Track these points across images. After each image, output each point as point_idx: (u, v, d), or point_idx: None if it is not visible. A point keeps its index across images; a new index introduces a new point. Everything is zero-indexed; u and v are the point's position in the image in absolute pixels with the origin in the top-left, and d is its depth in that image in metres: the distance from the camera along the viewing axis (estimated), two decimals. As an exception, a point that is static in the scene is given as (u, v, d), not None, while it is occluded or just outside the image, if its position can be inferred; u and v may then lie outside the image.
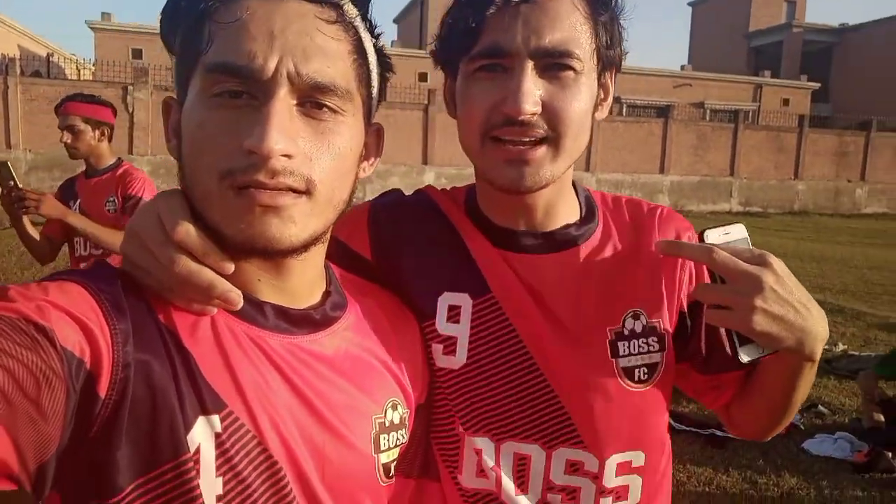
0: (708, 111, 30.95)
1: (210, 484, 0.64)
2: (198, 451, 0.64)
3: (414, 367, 0.89)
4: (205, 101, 0.67)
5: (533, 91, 0.82)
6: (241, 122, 0.65)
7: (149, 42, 26.86)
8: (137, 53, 26.13)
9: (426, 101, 21.08)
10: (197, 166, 0.68)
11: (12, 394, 0.52)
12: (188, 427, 0.64)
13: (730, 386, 0.99)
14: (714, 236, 0.82)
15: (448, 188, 1.06)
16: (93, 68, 23.92)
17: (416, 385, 0.89)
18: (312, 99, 0.68)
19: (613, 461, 0.92)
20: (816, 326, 0.81)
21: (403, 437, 0.84)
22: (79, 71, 26.96)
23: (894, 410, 4.34)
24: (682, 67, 34.28)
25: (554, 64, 0.83)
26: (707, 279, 0.97)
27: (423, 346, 0.92)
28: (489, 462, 0.91)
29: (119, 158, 3.31)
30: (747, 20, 42.04)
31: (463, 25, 0.84)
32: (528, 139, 0.84)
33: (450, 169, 20.17)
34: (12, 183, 2.85)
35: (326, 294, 0.82)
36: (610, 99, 0.95)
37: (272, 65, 0.65)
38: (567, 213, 0.96)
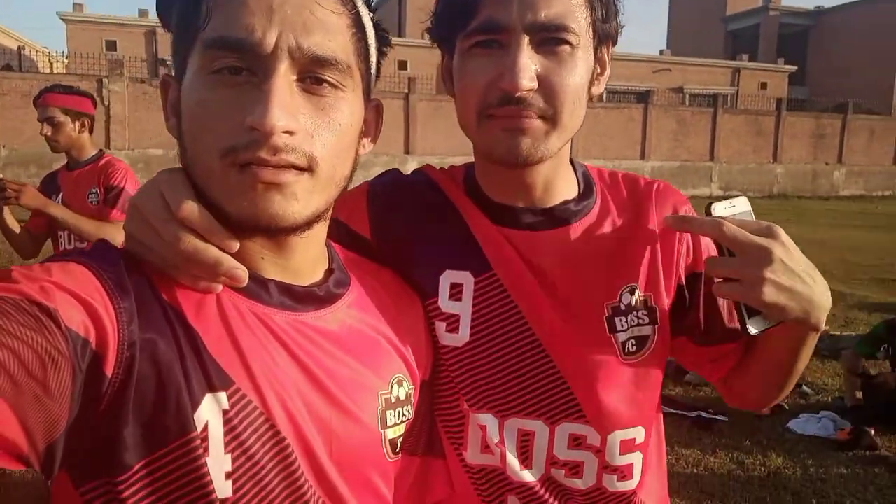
0: (687, 96, 31.15)
1: (219, 461, 0.64)
2: (206, 428, 0.64)
3: (418, 345, 0.89)
4: (204, 78, 0.66)
5: (529, 66, 0.81)
6: (242, 99, 0.64)
7: (123, 33, 26.47)
8: (111, 45, 25.73)
9: (406, 90, 20.99)
10: (198, 144, 0.67)
11: (19, 375, 0.52)
12: (195, 405, 0.63)
13: (729, 358, 1.00)
14: (721, 209, 0.82)
15: (446, 167, 1.06)
16: (66, 61, 23.52)
17: (420, 362, 0.89)
18: (313, 74, 0.67)
19: (617, 438, 0.93)
20: (822, 296, 0.81)
21: (409, 414, 0.84)
22: (51, 64, 26.49)
23: (875, 388, 4.41)
24: (661, 52, 34.46)
25: (550, 38, 0.82)
26: (705, 253, 0.98)
27: (426, 323, 0.92)
28: (494, 438, 0.92)
29: (101, 150, 3.26)
30: (724, 4, 42.26)
31: (458, 2, 0.84)
32: (524, 116, 0.83)
33: (432, 158, 20.09)
34: None
35: (329, 272, 0.81)
36: (607, 73, 0.94)
37: (272, 39, 0.64)
38: (565, 189, 0.97)
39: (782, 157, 25.35)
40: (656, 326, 0.95)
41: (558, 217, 0.95)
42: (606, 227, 0.96)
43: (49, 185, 3.23)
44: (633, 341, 0.93)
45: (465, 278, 0.93)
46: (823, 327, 0.84)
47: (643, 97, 23.43)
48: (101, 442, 0.60)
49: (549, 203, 0.95)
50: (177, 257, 0.66)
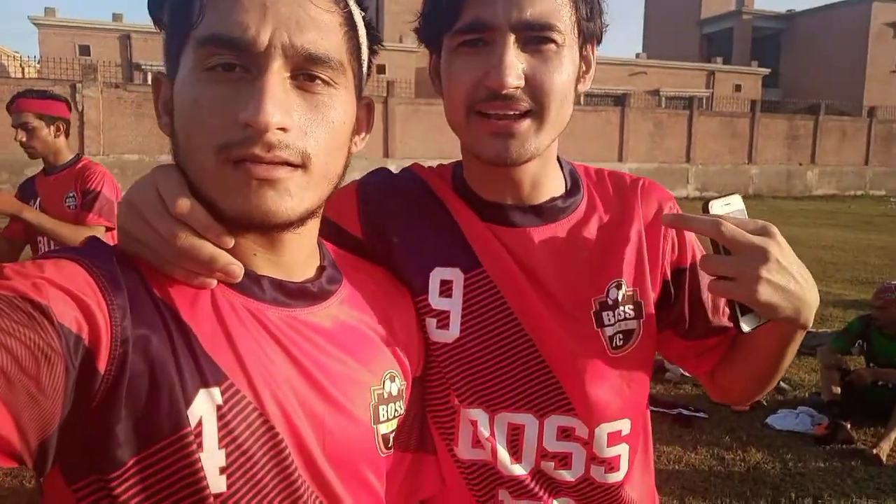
0: (663, 98, 31.48)
1: (212, 456, 0.64)
2: (199, 424, 0.64)
3: (409, 341, 0.90)
4: (198, 75, 0.66)
5: (515, 64, 0.82)
6: (236, 96, 0.65)
7: (96, 38, 26.14)
8: (85, 50, 25.40)
9: (385, 94, 20.96)
10: (192, 142, 0.67)
11: (12, 372, 0.52)
12: (188, 401, 0.63)
13: (714, 352, 1.02)
14: (717, 207, 0.83)
15: (434, 165, 1.07)
16: (38, 66, 23.16)
17: (412, 358, 0.89)
18: (306, 71, 0.68)
19: (604, 430, 0.95)
20: (812, 295, 0.82)
21: (401, 409, 0.85)
22: (23, 69, 26.07)
23: (851, 383, 4.48)
24: (637, 55, 34.79)
25: (535, 37, 0.83)
26: (690, 249, 1.01)
27: (417, 320, 0.93)
28: (484, 433, 0.93)
29: (78, 154, 3.22)
30: (699, 7, 42.81)
31: (445, 1, 0.85)
32: (512, 112, 0.84)
33: (411, 161, 20.00)
34: None
35: (321, 268, 0.82)
36: (592, 71, 0.96)
37: (265, 37, 0.65)
38: (553, 186, 0.98)
39: (757, 158, 25.69)
40: (642, 321, 0.96)
41: (546, 214, 0.96)
42: (593, 224, 0.98)
43: (27, 191, 3.19)
44: (621, 335, 0.95)
45: (455, 275, 0.94)
46: (810, 325, 0.85)
47: (620, 100, 23.62)
48: (94, 438, 0.60)
49: (537, 200, 0.96)
50: (172, 253, 0.66)
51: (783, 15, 41.46)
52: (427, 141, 20.31)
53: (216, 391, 0.65)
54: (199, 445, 0.63)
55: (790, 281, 0.79)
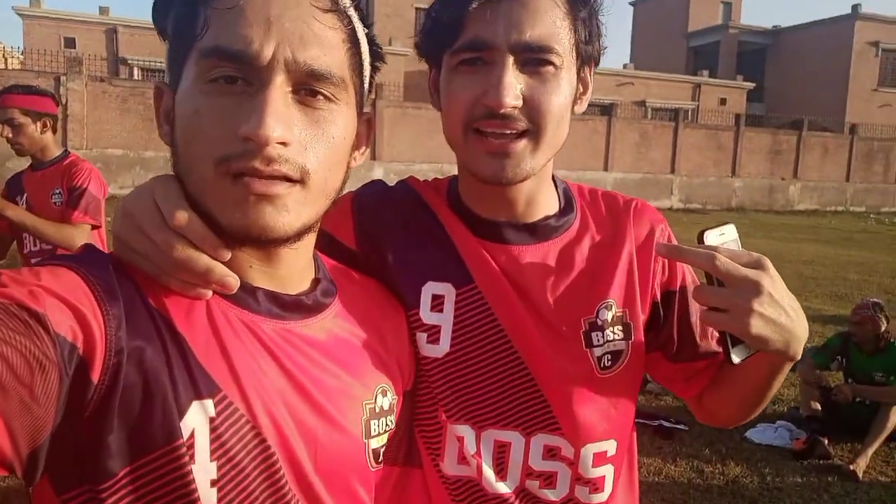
0: (649, 110, 31.74)
1: (204, 469, 0.64)
2: (192, 436, 0.63)
3: (402, 355, 0.90)
4: (200, 86, 0.66)
5: (514, 84, 0.83)
6: (238, 109, 0.64)
7: (82, 30, 25.88)
8: (70, 42, 25.12)
9: (374, 96, 20.94)
10: (192, 153, 0.67)
11: (6, 379, 0.52)
12: (182, 412, 0.63)
13: (702, 376, 1.02)
14: (712, 237, 0.83)
15: (430, 179, 1.07)
16: (21, 57, 22.86)
17: (403, 372, 0.89)
18: (308, 86, 0.68)
19: (590, 451, 0.95)
20: (802, 329, 0.83)
21: (392, 424, 0.85)
22: (6, 60, 25.72)
23: (834, 399, 4.52)
24: (625, 66, 35.06)
25: (534, 59, 0.84)
26: (680, 272, 1.01)
27: (409, 334, 0.93)
28: (470, 449, 0.93)
29: (66, 150, 3.18)
30: (686, 21, 43.26)
31: (446, 19, 0.85)
32: (509, 132, 0.85)
33: (398, 165, 20.09)
34: None
35: (316, 281, 0.82)
36: (589, 93, 0.96)
37: (269, 51, 0.65)
38: (547, 204, 0.98)
39: (740, 171, 25.95)
40: (631, 342, 0.96)
41: (539, 232, 0.97)
42: (585, 244, 0.98)
43: (14, 187, 3.15)
44: (609, 356, 0.95)
45: (447, 290, 0.94)
46: (799, 357, 0.86)
47: (607, 110, 23.74)
48: (86, 448, 0.60)
49: (531, 218, 0.97)
50: (168, 264, 0.66)
51: (769, 30, 42.01)
52: (415, 145, 20.31)
53: (209, 403, 0.65)
54: (191, 458, 0.63)
55: (781, 314, 0.80)
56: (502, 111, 0.83)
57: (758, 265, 0.80)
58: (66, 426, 0.58)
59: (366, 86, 0.79)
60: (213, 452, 0.64)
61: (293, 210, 0.68)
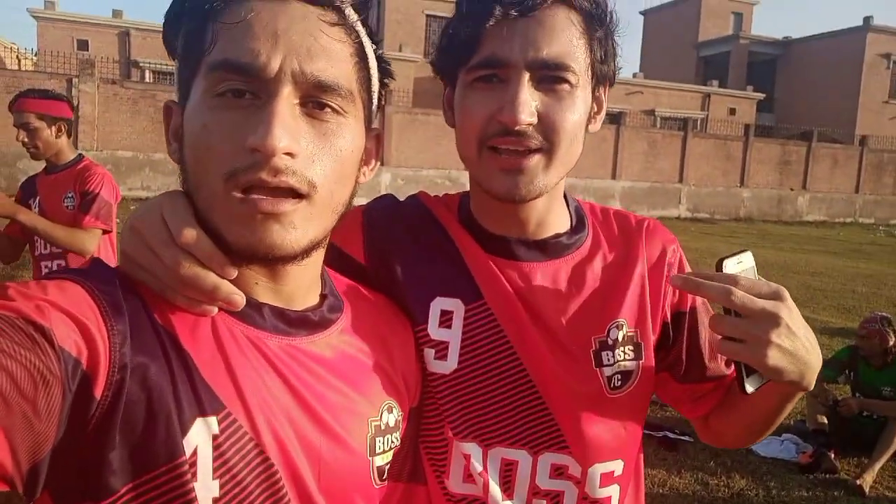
0: (658, 119, 31.70)
1: (206, 486, 0.63)
2: (195, 453, 0.63)
3: (409, 371, 0.89)
4: (208, 101, 0.67)
5: (529, 102, 0.83)
6: (245, 122, 0.65)
7: (95, 33, 26.07)
8: (83, 44, 25.33)
9: (383, 101, 20.98)
10: (200, 169, 0.67)
11: (9, 393, 0.52)
12: (185, 430, 0.63)
13: (709, 398, 1.02)
14: (731, 266, 0.82)
15: (440, 195, 1.07)
16: (35, 59, 23.04)
17: (410, 389, 0.89)
18: (315, 98, 0.68)
19: (597, 470, 0.94)
20: (815, 358, 0.82)
21: (397, 441, 0.84)
22: (19, 61, 25.94)
23: (839, 413, 4.49)
24: (634, 75, 35.02)
25: (550, 76, 0.85)
26: (690, 294, 1.00)
27: (416, 349, 0.92)
28: (477, 467, 0.92)
29: (80, 154, 3.20)
30: (696, 31, 43.21)
31: (463, 36, 0.86)
32: (522, 149, 0.85)
33: (406, 170, 20.14)
34: None
35: (323, 297, 0.81)
36: (603, 112, 0.97)
37: (276, 63, 0.65)
38: (558, 223, 0.98)
39: (749, 181, 25.87)
40: (641, 362, 0.96)
41: (550, 250, 0.96)
42: (597, 262, 0.98)
43: (28, 189, 3.18)
44: (619, 376, 0.94)
45: (456, 306, 0.94)
46: (812, 388, 0.85)
47: (616, 118, 23.72)
48: (87, 464, 0.59)
49: (542, 235, 0.96)
50: (175, 281, 0.66)
51: (780, 41, 41.92)
52: (423, 150, 20.34)
53: (213, 420, 0.65)
54: (194, 475, 0.63)
55: (799, 346, 0.79)
56: (517, 128, 0.83)
57: (776, 296, 0.79)
58: (68, 442, 0.57)
59: (374, 101, 0.79)
60: (215, 470, 0.64)
61: (300, 227, 0.68)
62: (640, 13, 49.39)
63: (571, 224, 1.00)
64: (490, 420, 0.92)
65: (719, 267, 0.82)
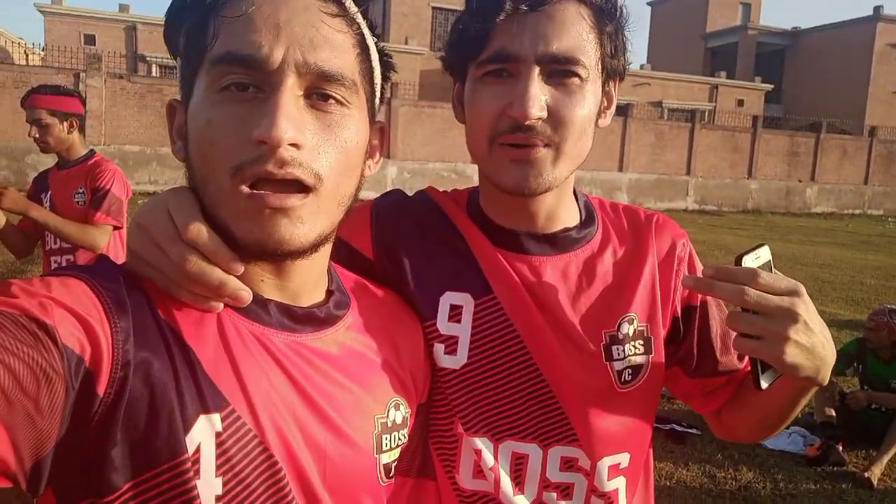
0: (666, 110, 31.52)
1: (209, 484, 0.63)
2: (198, 450, 0.63)
3: (416, 367, 0.89)
4: (212, 96, 0.66)
5: (539, 96, 0.83)
6: (249, 115, 0.65)
7: (102, 27, 26.13)
8: (90, 39, 25.39)
9: (389, 94, 20.94)
10: (206, 164, 0.67)
11: (12, 391, 0.52)
12: (188, 427, 0.63)
13: (720, 392, 1.02)
14: (749, 262, 0.81)
15: (449, 190, 1.07)
16: (42, 53, 23.10)
17: (418, 385, 0.89)
18: (319, 89, 0.68)
19: (605, 463, 0.94)
20: (830, 354, 0.82)
21: (404, 438, 0.84)
22: (27, 55, 26.01)
23: (847, 405, 4.47)
24: (641, 67, 34.85)
25: (560, 70, 0.84)
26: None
27: (425, 345, 0.92)
28: (489, 462, 0.92)
29: (92, 150, 3.21)
30: (704, 21, 42.93)
31: (473, 31, 0.86)
32: (532, 144, 0.85)
33: (412, 163, 20.11)
34: None
35: (329, 293, 0.81)
36: (613, 107, 0.97)
37: (279, 55, 0.65)
38: (568, 217, 0.98)
39: (757, 173, 25.73)
40: (651, 356, 0.96)
41: (560, 243, 0.96)
42: (607, 257, 0.98)
43: (40, 184, 3.20)
44: (630, 370, 0.94)
45: (465, 300, 0.94)
46: (826, 383, 0.84)
47: (623, 110, 23.60)
48: (90, 461, 0.59)
49: (552, 229, 0.96)
50: (181, 277, 0.66)
51: (788, 32, 41.61)
52: (429, 143, 20.31)
53: (216, 417, 0.64)
54: (197, 472, 0.62)
55: (816, 342, 0.79)
56: (527, 122, 0.83)
57: (793, 292, 0.78)
58: (71, 438, 0.57)
59: (377, 94, 0.78)
60: (218, 468, 0.64)
61: (308, 222, 0.68)
62: (648, 4, 49.10)
63: (581, 218, 1.00)
64: (501, 414, 0.92)
65: (738, 263, 0.81)
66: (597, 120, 0.92)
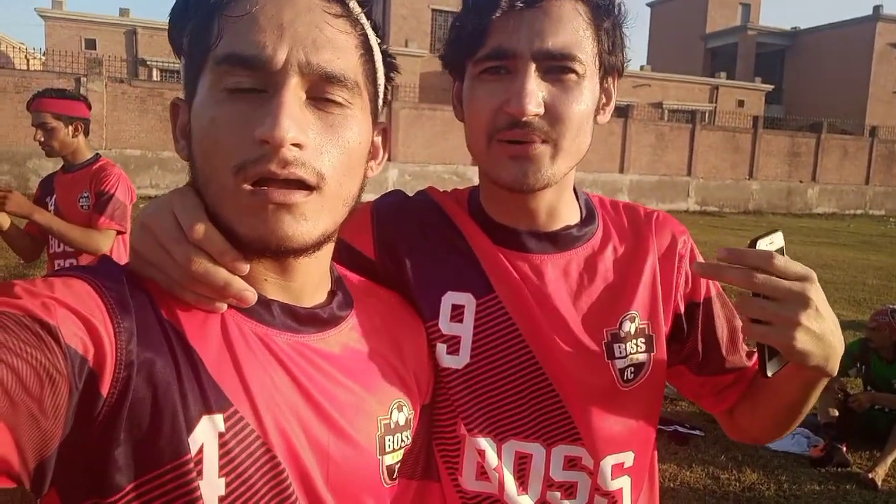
0: (666, 111, 31.55)
1: (212, 485, 0.63)
2: (200, 451, 0.63)
3: (419, 368, 0.89)
4: (215, 95, 0.66)
5: (536, 92, 0.83)
6: (253, 114, 0.65)
7: (102, 32, 26.17)
8: (91, 44, 25.42)
9: (390, 97, 20.96)
10: (209, 163, 0.67)
11: (16, 391, 0.52)
12: (190, 427, 0.63)
13: (731, 391, 1.02)
14: (763, 245, 0.80)
15: (449, 190, 1.07)
16: (43, 58, 23.14)
17: (421, 386, 0.88)
18: (322, 90, 0.68)
19: (608, 462, 0.94)
20: (839, 342, 0.81)
21: (408, 439, 0.84)
22: (27, 60, 26.06)
23: (850, 408, 4.46)
24: (641, 68, 34.85)
25: (556, 66, 0.85)
26: (703, 283, 1.00)
27: (428, 346, 0.92)
28: (492, 462, 0.92)
29: (97, 154, 3.21)
30: (704, 22, 42.94)
31: (469, 29, 0.86)
32: (529, 140, 0.85)
33: (413, 166, 20.12)
34: None
35: (332, 293, 0.81)
36: (612, 103, 0.96)
37: (282, 55, 0.65)
38: (568, 215, 0.98)
39: (758, 174, 25.71)
40: (653, 354, 0.96)
41: (561, 242, 0.96)
42: (608, 255, 0.98)
43: (46, 187, 3.20)
44: (632, 368, 0.94)
45: (467, 300, 0.93)
46: (835, 373, 0.83)
47: (623, 111, 23.60)
48: (94, 461, 0.59)
49: (552, 227, 0.96)
50: (185, 278, 0.66)
51: (788, 32, 41.61)
52: (430, 146, 20.32)
53: (219, 418, 0.64)
54: (199, 473, 0.62)
55: (826, 329, 0.78)
56: (524, 119, 0.83)
57: (806, 278, 0.77)
58: (74, 439, 0.57)
59: (380, 95, 0.79)
60: (221, 468, 0.64)
61: (311, 219, 0.68)
62: (647, 5, 49.11)
63: (581, 216, 1.00)
64: (504, 413, 0.92)
65: (752, 246, 0.80)
66: (595, 116, 0.92)
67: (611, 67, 0.92)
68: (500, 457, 0.92)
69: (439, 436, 0.94)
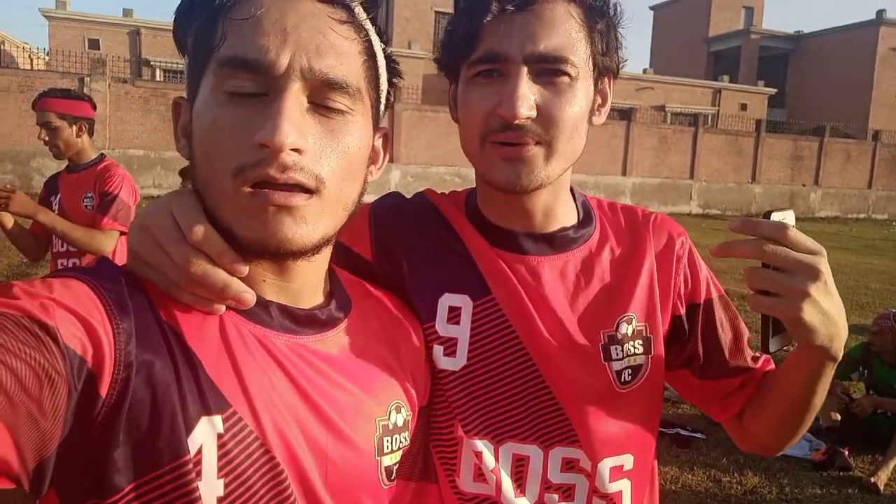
0: (669, 114, 31.53)
1: (211, 486, 0.63)
2: (199, 452, 0.63)
3: (417, 369, 0.89)
4: (217, 97, 0.67)
5: (528, 95, 0.83)
6: (254, 118, 0.65)
7: (106, 32, 26.21)
8: (94, 44, 25.46)
9: (393, 98, 20.98)
10: (210, 164, 0.67)
11: (15, 392, 0.52)
12: (189, 428, 0.63)
13: (738, 397, 1.00)
14: (777, 219, 0.80)
15: (447, 192, 1.07)
16: (47, 58, 23.20)
17: (419, 387, 0.88)
18: (324, 96, 0.68)
19: (606, 465, 0.94)
20: (844, 325, 0.81)
21: (406, 441, 0.84)
22: (31, 60, 26.12)
23: (852, 412, 4.45)
24: (644, 71, 34.82)
25: (549, 69, 0.85)
26: (703, 284, 1.00)
27: (425, 348, 0.92)
28: (489, 464, 0.92)
29: (102, 154, 3.22)
30: (707, 25, 42.90)
31: (462, 32, 0.87)
32: (522, 142, 0.86)
33: (415, 167, 20.14)
34: None
35: (330, 295, 0.81)
36: (608, 105, 0.96)
37: (285, 60, 0.65)
38: (565, 216, 0.98)
39: (761, 177, 25.68)
40: (650, 356, 0.96)
41: (558, 243, 0.96)
42: (605, 256, 0.98)
43: (51, 187, 3.22)
44: (629, 370, 0.94)
45: (464, 302, 0.94)
46: (839, 359, 0.83)
47: (626, 114, 23.59)
48: (93, 462, 0.59)
49: (549, 229, 0.96)
50: (184, 279, 0.66)
51: (791, 36, 41.56)
52: (432, 147, 20.34)
53: (218, 419, 0.64)
54: (198, 474, 0.63)
55: (832, 307, 0.78)
56: (516, 122, 0.83)
57: (818, 252, 0.77)
58: (74, 440, 0.57)
59: (382, 100, 0.79)
60: (220, 469, 0.64)
61: (311, 222, 0.68)
62: (650, 8, 49.09)
63: (578, 218, 1.00)
64: (501, 415, 0.92)
65: (766, 218, 0.80)
66: (590, 117, 0.92)
67: (605, 69, 0.92)
68: (497, 458, 0.92)
69: (437, 437, 0.94)
